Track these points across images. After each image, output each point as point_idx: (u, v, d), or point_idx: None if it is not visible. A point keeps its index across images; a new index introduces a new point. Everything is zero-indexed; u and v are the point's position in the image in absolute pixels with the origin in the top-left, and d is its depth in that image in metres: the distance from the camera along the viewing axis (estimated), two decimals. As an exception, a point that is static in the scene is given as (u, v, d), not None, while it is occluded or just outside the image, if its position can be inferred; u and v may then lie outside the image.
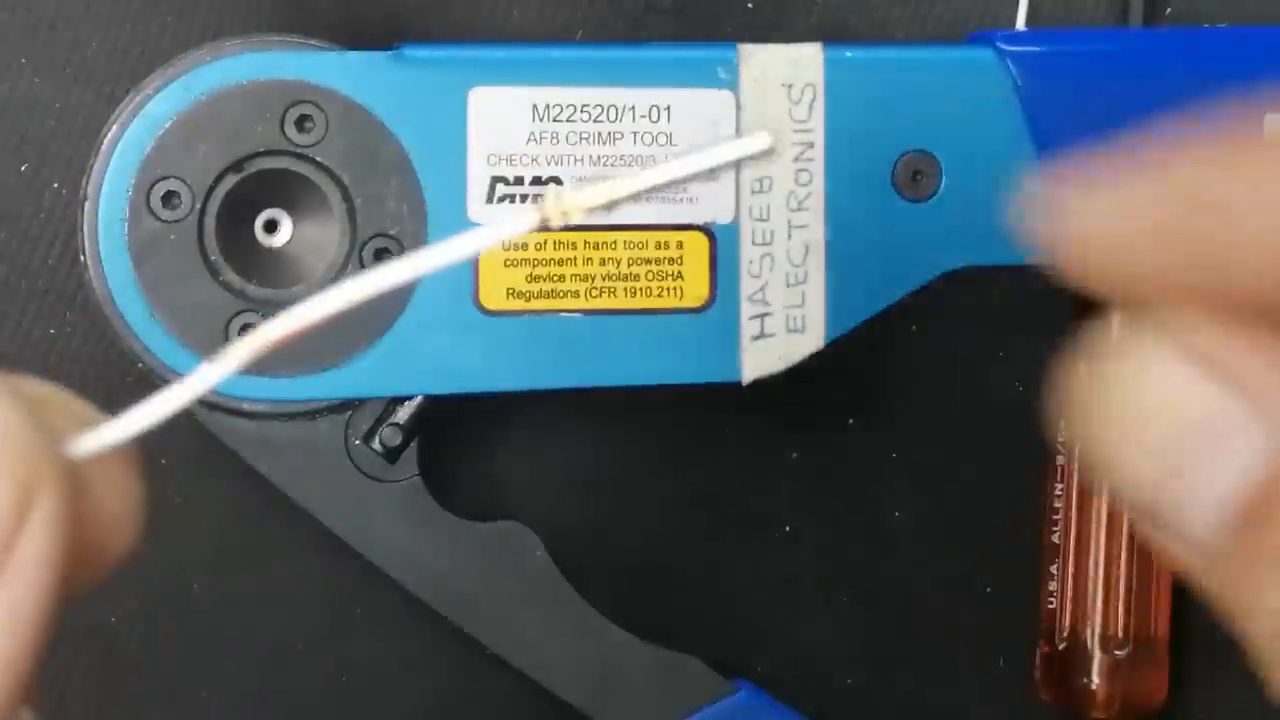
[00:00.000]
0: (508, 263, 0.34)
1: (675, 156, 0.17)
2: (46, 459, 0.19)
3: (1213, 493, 0.19)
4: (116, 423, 0.19)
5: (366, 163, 0.33)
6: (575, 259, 0.34)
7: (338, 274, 0.33)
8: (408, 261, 0.18)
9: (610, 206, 0.17)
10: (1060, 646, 0.38)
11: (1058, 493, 0.38)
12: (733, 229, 0.33)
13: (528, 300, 0.34)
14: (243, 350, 0.19)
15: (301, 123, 0.33)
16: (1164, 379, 0.19)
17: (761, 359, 0.34)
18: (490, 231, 0.18)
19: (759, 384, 0.34)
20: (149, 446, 0.38)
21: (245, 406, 0.33)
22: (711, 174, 0.16)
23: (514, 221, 0.18)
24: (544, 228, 0.18)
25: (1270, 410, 0.19)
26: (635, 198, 0.17)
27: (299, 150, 0.33)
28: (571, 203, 0.17)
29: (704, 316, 0.34)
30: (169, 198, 0.33)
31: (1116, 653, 0.37)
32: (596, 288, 0.34)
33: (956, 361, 0.39)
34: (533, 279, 0.34)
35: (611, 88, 0.34)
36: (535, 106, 0.33)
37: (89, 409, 0.21)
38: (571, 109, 0.33)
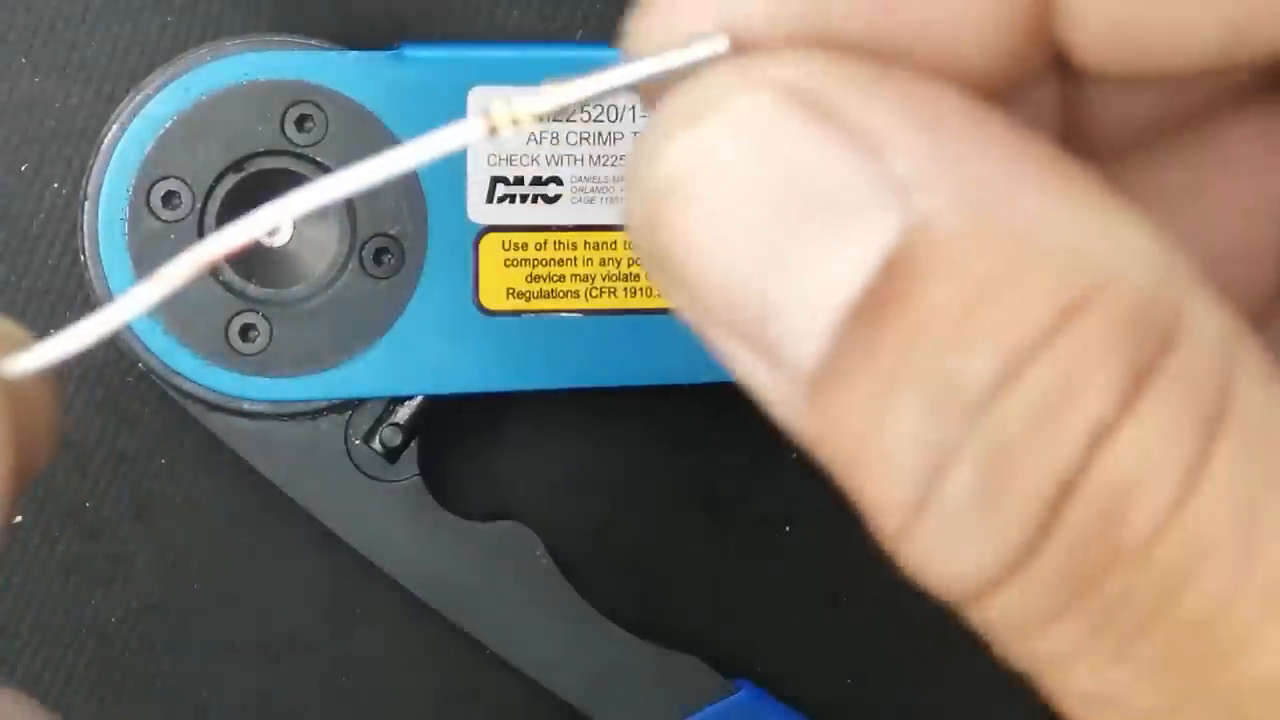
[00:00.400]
0: (508, 263, 0.34)
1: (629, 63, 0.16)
2: None
3: (827, 286, 0.14)
4: (49, 344, 0.18)
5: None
6: (575, 259, 0.34)
7: (338, 274, 0.33)
8: (350, 172, 0.18)
9: (561, 112, 0.17)
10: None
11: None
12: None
13: (528, 300, 0.34)
14: (181, 269, 0.18)
15: (301, 123, 0.33)
16: (766, 135, 0.14)
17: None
18: (440, 138, 0.17)
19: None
20: (149, 446, 0.38)
21: (245, 406, 0.33)
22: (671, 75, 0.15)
23: (464, 129, 0.17)
24: (493, 133, 0.17)
25: (903, 175, 0.14)
26: (587, 103, 0.17)
27: (299, 150, 0.33)
28: (522, 108, 0.17)
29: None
30: (169, 198, 0.33)
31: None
32: (596, 288, 0.34)
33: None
34: (533, 279, 0.34)
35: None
36: (535, 106, 0.33)
37: (16, 328, 0.19)
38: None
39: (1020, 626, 0.15)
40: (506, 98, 0.17)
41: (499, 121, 0.17)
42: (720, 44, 0.15)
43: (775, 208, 0.14)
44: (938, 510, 0.15)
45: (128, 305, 0.18)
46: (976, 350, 0.14)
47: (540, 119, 0.17)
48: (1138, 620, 0.14)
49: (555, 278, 0.34)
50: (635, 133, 0.34)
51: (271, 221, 0.17)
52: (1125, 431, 0.14)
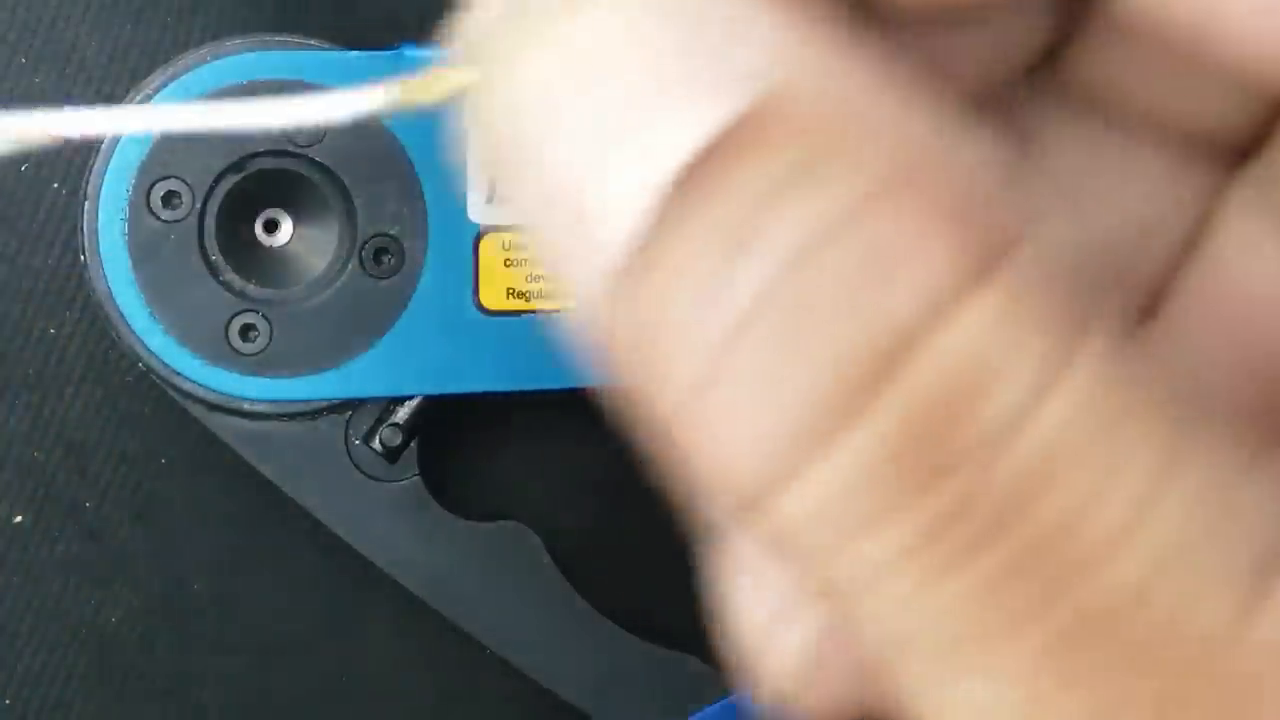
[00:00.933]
0: (508, 263, 0.34)
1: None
2: None
3: (648, 164, 0.13)
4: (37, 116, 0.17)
5: (366, 163, 0.33)
6: (575, 259, 0.34)
7: (338, 274, 0.33)
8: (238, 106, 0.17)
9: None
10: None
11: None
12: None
13: (528, 300, 0.34)
14: (185, 115, 0.17)
15: (301, 123, 0.33)
16: (620, 21, 0.14)
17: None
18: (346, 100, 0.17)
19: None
20: (149, 446, 0.38)
21: (245, 406, 0.33)
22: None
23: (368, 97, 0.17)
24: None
25: (744, 65, 0.13)
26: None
27: (299, 150, 0.33)
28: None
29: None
30: (169, 198, 0.33)
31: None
32: (596, 288, 0.34)
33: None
34: (533, 279, 0.34)
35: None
36: (535, 106, 0.33)
37: None
38: (571, 109, 0.33)
39: (824, 531, 0.13)
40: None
41: (409, 94, 0.16)
42: (376, 100, 0.15)
43: (622, 75, 0.13)
44: (727, 380, 0.13)
45: (123, 118, 0.17)
46: (790, 209, 0.13)
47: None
48: (975, 532, 0.13)
49: (555, 278, 0.34)
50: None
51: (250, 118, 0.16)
52: (969, 312, 0.13)
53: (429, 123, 0.34)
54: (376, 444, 0.34)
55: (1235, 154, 0.18)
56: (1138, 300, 0.18)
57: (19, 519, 0.36)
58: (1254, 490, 0.13)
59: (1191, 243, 0.19)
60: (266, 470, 0.34)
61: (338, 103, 0.16)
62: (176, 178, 0.33)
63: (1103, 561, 0.13)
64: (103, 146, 0.33)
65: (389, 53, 0.33)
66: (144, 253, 0.33)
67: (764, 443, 0.13)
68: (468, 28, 0.15)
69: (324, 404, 0.34)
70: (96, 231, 0.32)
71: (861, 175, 0.13)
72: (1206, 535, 0.13)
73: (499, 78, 0.14)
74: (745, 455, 0.13)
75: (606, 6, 0.14)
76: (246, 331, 0.33)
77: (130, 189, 0.32)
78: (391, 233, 0.33)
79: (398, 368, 0.33)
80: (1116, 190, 0.18)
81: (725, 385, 0.13)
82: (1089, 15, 0.17)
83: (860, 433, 0.13)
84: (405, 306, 0.33)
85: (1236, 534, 0.13)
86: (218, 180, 0.33)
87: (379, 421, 0.34)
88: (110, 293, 0.33)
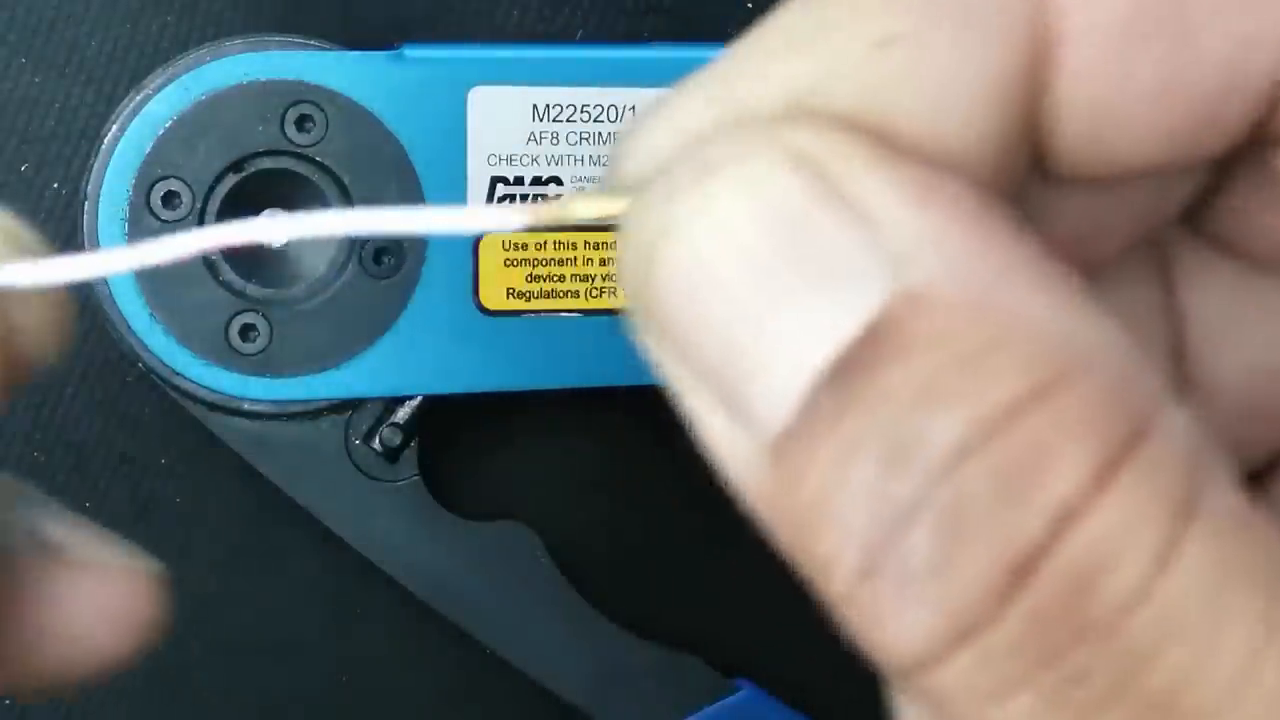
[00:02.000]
0: (508, 263, 0.34)
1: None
2: None
3: (807, 346, 0.15)
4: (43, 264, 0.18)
5: (366, 163, 0.33)
6: (575, 259, 0.34)
7: (338, 274, 0.33)
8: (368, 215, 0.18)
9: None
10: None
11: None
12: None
13: (528, 300, 0.34)
14: (175, 247, 0.18)
15: (301, 123, 0.33)
16: (766, 194, 0.15)
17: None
18: (473, 216, 0.18)
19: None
20: (149, 446, 0.38)
21: (245, 406, 0.33)
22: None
23: (505, 215, 0.17)
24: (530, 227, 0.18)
25: (895, 248, 0.15)
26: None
27: (299, 150, 0.33)
28: (558, 209, 0.17)
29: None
30: (169, 198, 0.33)
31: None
32: (596, 288, 0.34)
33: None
34: (533, 279, 0.34)
35: (611, 88, 0.34)
36: (535, 106, 0.33)
37: (20, 229, 0.19)
38: (571, 109, 0.33)
39: (972, 697, 0.15)
40: (561, 199, 0.17)
41: (542, 217, 0.17)
42: (520, 219, 0.16)
43: (768, 265, 0.15)
44: (890, 571, 0.15)
45: (115, 259, 0.18)
46: (947, 413, 0.14)
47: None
48: (1100, 693, 0.15)
49: (555, 278, 0.34)
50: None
51: (273, 234, 0.17)
52: (1097, 511, 0.14)
53: (429, 123, 0.34)
54: (376, 444, 0.34)
55: None
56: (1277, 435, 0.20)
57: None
58: None
59: None
60: (266, 470, 0.34)
61: (473, 217, 0.17)
62: (176, 178, 0.33)
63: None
64: (103, 146, 0.33)
65: (389, 53, 0.33)
66: (144, 253, 0.33)
67: (921, 628, 0.15)
68: (624, 168, 0.16)
69: (324, 404, 0.34)
70: (96, 231, 0.32)
71: (1009, 377, 0.14)
72: None
73: (655, 238, 0.15)
74: (904, 639, 0.15)
75: (765, 182, 0.15)
76: (246, 331, 0.33)
77: (130, 189, 0.32)
78: (391, 233, 0.33)
79: (398, 368, 0.33)
80: (1262, 331, 0.20)
81: (887, 577, 0.15)
82: (1244, 167, 0.18)
83: (1010, 616, 0.15)
84: (405, 306, 0.33)
85: None
86: (218, 180, 0.33)
87: (379, 421, 0.34)
88: (110, 293, 0.33)
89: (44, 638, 0.20)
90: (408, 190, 0.33)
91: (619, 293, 0.34)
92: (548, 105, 0.33)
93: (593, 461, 0.38)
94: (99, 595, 0.20)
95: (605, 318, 0.34)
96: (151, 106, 0.32)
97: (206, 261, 0.33)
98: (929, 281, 0.15)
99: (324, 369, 0.33)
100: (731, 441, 0.15)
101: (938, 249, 0.15)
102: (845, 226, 0.15)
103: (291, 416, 0.34)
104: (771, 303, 0.15)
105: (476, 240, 0.33)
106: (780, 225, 0.15)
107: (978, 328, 0.14)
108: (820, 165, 0.15)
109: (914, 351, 0.14)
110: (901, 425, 0.14)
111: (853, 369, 0.15)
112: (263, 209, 0.34)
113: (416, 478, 0.35)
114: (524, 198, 0.34)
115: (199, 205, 0.33)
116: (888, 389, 0.14)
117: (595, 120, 0.34)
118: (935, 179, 0.15)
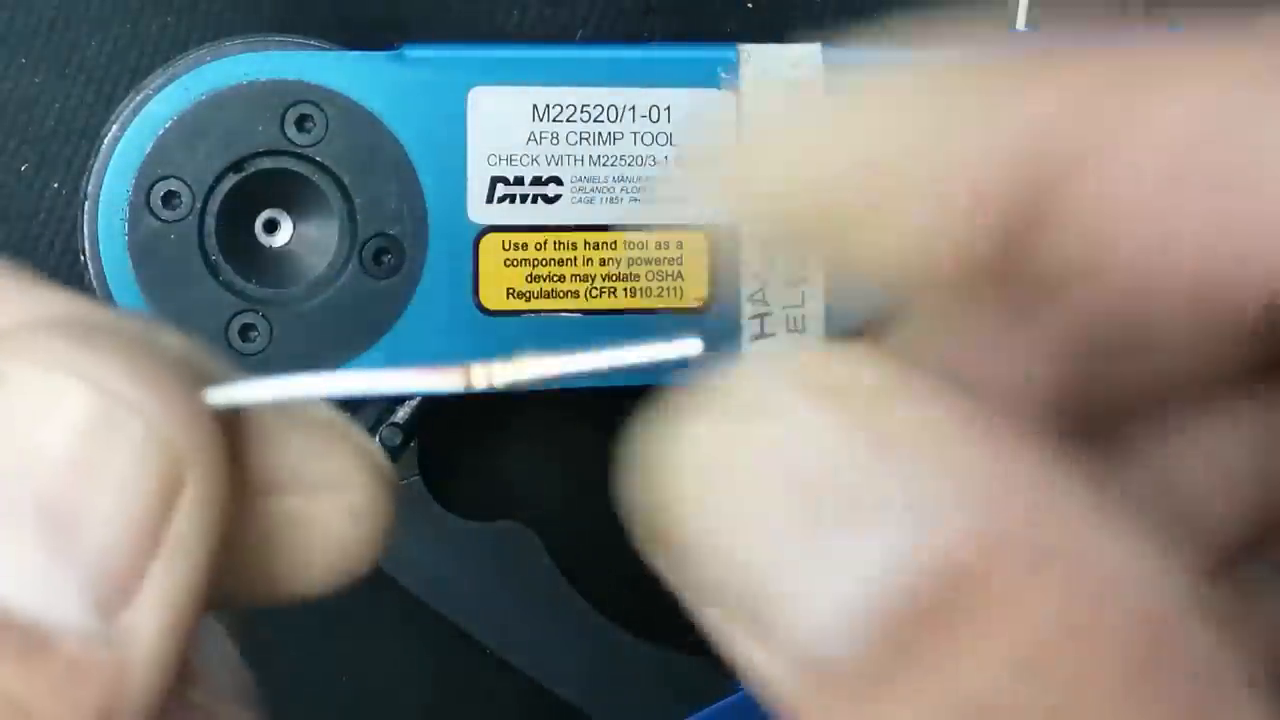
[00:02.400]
0: (508, 263, 0.34)
1: (608, 349, 0.17)
2: (195, 430, 0.17)
3: (845, 583, 0.14)
4: (252, 385, 0.18)
5: (366, 163, 0.33)
6: (575, 259, 0.34)
7: (338, 274, 0.33)
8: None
9: (537, 382, 0.18)
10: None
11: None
12: (733, 229, 0.33)
13: (528, 300, 0.34)
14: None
15: (301, 123, 0.33)
16: (796, 431, 0.15)
17: (761, 359, 0.34)
18: (425, 376, 0.18)
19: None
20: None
21: (245, 406, 0.33)
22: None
23: (443, 377, 0.18)
24: (468, 389, 0.18)
25: (932, 490, 0.14)
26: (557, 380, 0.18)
27: (299, 150, 0.33)
28: (500, 376, 0.18)
29: (704, 316, 0.34)
30: (169, 198, 0.33)
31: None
32: (596, 288, 0.34)
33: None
34: (533, 279, 0.34)
35: (611, 88, 0.34)
36: (535, 106, 0.33)
37: (218, 363, 0.18)
38: (571, 109, 0.33)
39: None
40: (488, 365, 0.18)
41: (475, 379, 0.18)
42: (695, 347, 0.16)
43: (799, 503, 0.14)
44: None
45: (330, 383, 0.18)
46: (1000, 674, 0.14)
47: (511, 387, 0.18)
48: None
49: (555, 278, 0.34)
50: (635, 132, 0.34)
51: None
52: None
53: (429, 122, 0.34)
54: (376, 444, 0.34)
55: None
56: None
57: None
58: None
59: None
60: (266, 470, 0.34)
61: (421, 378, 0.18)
62: (176, 178, 0.33)
63: None
64: (103, 146, 0.33)
65: (389, 53, 0.33)
66: (144, 253, 0.33)
67: None
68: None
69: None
70: (96, 231, 0.32)
71: (1049, 626, 0.14)
72: None
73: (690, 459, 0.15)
74: None
75: (824, 415, 0.14)
76: (246, 331, 0.33)
77: (130, 189, 0.32)
78: (391, 233, 0.33)
79: (397, 368, 0.33)
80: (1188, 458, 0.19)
81: None
82: None
83: None
84: (405, 306, 0.33)
85: None
86: (218, 180, 0.33)
87: (379, 421, 0.34)
88: (110, 293, 0.33)
89: (290, 553, 0.19)
90: (408, 190, 0.33)
91: (619, 292, 0.34)
92: (548, 105, 0.33)
93: (593, 461, 0.38)
94: (339, 510, 0.18)
95: (605, 318, 0.34)
96: (151, 106, 0.32)
97: (206, 261, 0.33)
98: (962, 529, 0.14)
99: (324, 369, 0.33)
100: (763, 659, 0.15)
101: (971, 491, 0.14)
102: (877, 464, 0.14)
103: (291, 416, 0.34)
104: (804, 539, 0.14)
105: (477, 240, 0.33)
106: (809, 461, 0.14)
107: (1013, 572, 0.14)
108: (848, 397, 0.15)
109: (961, 622, 0.14)
110: (961, 687, 0.14)
111: (899, 612, 0.14)
112: (263, 209, 0.34)
113: (416, 478, 0.35)
114: (524, 198, 0.34)
115: (199, 205, 0.33)
116: (940, 656, 0.14)
117: (595, 120, 0.34)
118: (959, 404, 0.15)
